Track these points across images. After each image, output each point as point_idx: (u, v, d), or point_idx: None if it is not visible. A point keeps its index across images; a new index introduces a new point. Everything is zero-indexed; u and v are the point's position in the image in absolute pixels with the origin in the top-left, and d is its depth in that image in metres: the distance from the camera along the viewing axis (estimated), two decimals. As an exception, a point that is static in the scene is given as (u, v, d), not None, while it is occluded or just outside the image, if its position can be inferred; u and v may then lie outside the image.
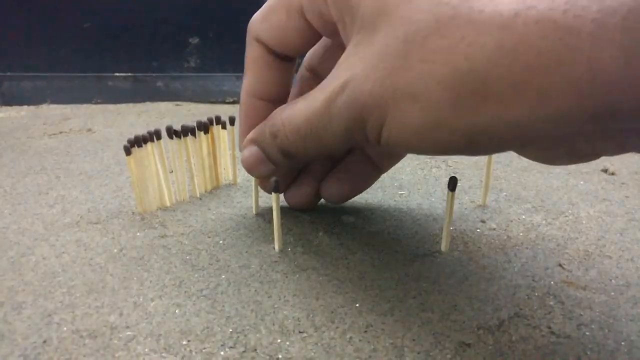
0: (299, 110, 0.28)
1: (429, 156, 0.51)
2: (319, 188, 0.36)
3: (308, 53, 0.34)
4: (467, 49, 0.20)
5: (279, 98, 0.33)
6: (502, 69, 0.19)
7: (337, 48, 0.31)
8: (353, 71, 0.24)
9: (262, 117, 0.31)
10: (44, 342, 0.24)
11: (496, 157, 0.46)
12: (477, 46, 0.20)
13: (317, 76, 0.33)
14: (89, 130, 0.63)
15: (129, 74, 0.79)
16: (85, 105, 0.77)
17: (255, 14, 0.30)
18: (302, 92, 0.32)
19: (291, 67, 0.32)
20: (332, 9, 0.26)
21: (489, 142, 0.22)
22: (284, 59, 0.31)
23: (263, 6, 0.30)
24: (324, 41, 0.33)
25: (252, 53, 0.31)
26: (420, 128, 0.23)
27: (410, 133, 0.23)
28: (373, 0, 0.23)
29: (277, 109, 0.30)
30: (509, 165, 0.48)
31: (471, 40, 0.20)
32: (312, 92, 0.27)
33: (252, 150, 0.31)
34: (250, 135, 0.31)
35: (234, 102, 0.78)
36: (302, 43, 0.30)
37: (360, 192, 0.37)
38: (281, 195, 0.37)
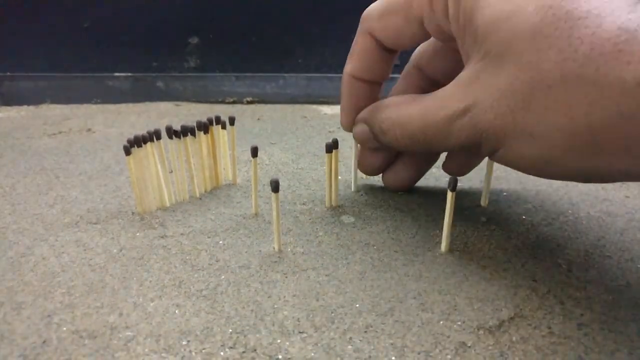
0: (414, 117, 0.30)
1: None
2: (384, 174, 0.41)
3: (416, 51, 0.37)
4: (588, 107, 0.22)
5: (379, 81, 0.37)
6: (618, 131, 0.21)
7: (448, 52, 0.35)
8: (476, 98, 0.26)
9: (362, 95, 0.36)
10: (44, 342, 0.24)
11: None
12: (597, 107, 0.22)
13: (422, 73, 0.37)
14: (89, 130, 0.63)
15: (129, 74, 0.79)
16: (85, 105, 0.77)
17: (371, 9, 0.33)
18: (408, 87, 0.38)
19: (394, 57, 0.36)
20: (453, 27, 0.28)
21: (602, 179, 0.25)
22: (390, 52, 0.35)
23: (378, 4, 0.33)
24: (433, 42, 0.36)
25: (363, 44, 0.34)
26: (535, 162, 0.26)
27: (524, 163, 0.26)
28: (501, 38, 0.25)
29: (387, 101, 0.34)
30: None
31: (593, 99, 0.22)
32: (426, 101, 0.30)
33: (363, 129, 0.36)
34: (362, 115, 0.36)
35: (233, 102, 0.78)
36: (414, 43, 0.34)
37: (415, 181, 0.42)
38: (281, 195, 0.37)
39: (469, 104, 0.27)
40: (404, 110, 0.31)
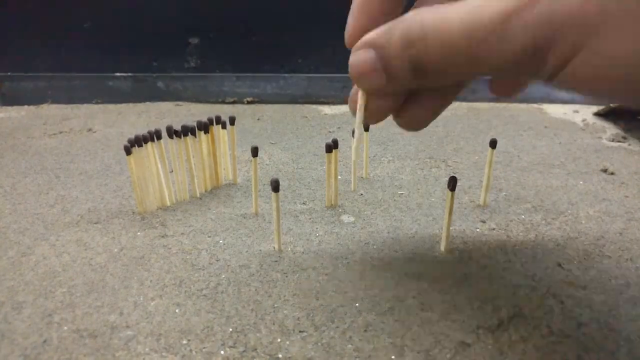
0: (454, 18, 0.22)
1: (429, 156, 0.51)
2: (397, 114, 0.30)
3: None
4: None
5: None
6: None
7: None
8: None
9: (379, 12, 0.27)
10: (44, 341, 0.24)
11: (496, 157, 0.46)
12: None
13: None
14: (90, 130, 0.63)
15: (130, 74, 0.79)
16: (85, 105, 0.77)
17: None
18: None
19: None
20: None
21: None
22: None
23: None
24: None
25: None
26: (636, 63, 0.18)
27: (618, 65, 0.19)
28: None
29: (412, 11, 0.24)
30: (509, 165, 0.48)
31: None
32: (472, 1, 0.22)
33: (367, 55, 0.25)
34: (370, 36, 0.25)
35: (234, 102, 0.78)
36: None
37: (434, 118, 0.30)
38: (281, 195, 0.37)
39: None
40: (442, 10, 0.23)
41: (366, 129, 0.43)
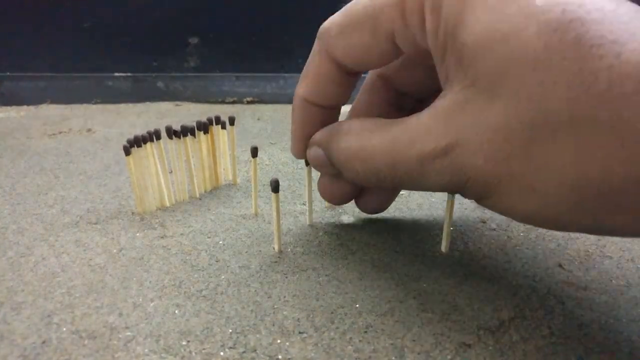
0: (379, 150, 0.25)
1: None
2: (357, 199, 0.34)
3: None
4: (603, 160, 0.18)
5: (337, 106, 0.31)
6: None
7: (420, 65, 0.29)
8: (460, 135, 0.21)
9: (316, 121, 0.30)
10: (43, 342, 0.24)
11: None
12: (616, 160, 0.17)
13: (388, 84, 0.31)
14: (89, 130, 0.63)
15: (129, 74, 0.79)
16: (84, 106, 0.77)
17: (329, 24, 0.27)
18: (371, 102, 0.32)
19: (356, 80, 0.30)
20: (431, 42, 0.23)
21: (612, 234, 0.21)
22: (352, 74, 0.29)
23: (337, 17, 0.27)
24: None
25: (320, 67, 0.28)
26: (532, 217, 0.22)
27: (518, 216, 0.22)
28: (494, 64, 0.20)
29: (346, 127, 0.28)
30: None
31: (610, 151, 0.17)
32: (395, 131, 0.24)
33: (317, 153, 0.30)
34: (318, 137, 0.30)
35: (233, 102, 0.78)
36: (382, 63, 0.27)
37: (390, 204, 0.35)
38: (281, 195, 0.37)
39: (451, 142, 0.22)
40: (366, 141, 0.25)
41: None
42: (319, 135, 0.30)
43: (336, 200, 0.33)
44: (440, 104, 0.23)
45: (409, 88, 0.31)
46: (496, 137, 0.20)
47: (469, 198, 0.24)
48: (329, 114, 0.31)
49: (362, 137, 0.26)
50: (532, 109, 0.19)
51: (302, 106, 0.30)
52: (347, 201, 0.34)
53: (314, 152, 0.30)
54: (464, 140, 0.21)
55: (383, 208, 0.35)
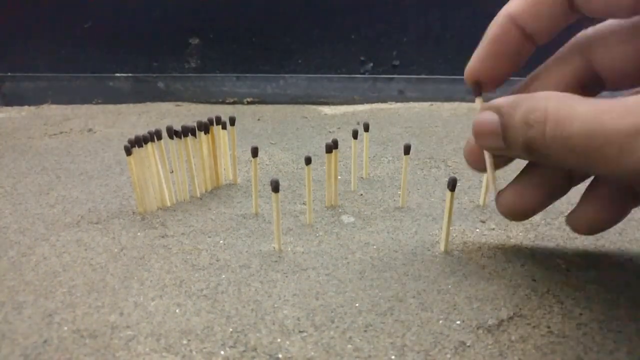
0: (579, 115, 0.22)
1: (429, 157, 0.51)
2: (569, 215, 0.30)
3: (582, 33, 0.28)
4: None
5: (539, 41, 0.28)
6: None
7: (636, 42, 0.26)
8: None
9: (512, 50, 0.27)
10: (45, 341, 0.24)
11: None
12: None
13: (588, 63, 0.28)
14: (90, 130, 0.63)
15: (130, 75, 0.79)
16: (86, 106, 0.77)
17: None
18: (563, 76, 0.28)
19: (572, 19, 0.27)
20: None
21: None
22: (571, 13, 0.26)
23: None
24: (617, 22, 0.27)
25: None
26: None
27: None
28: None
29: (542, 92, 0.25)
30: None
31: None
32: (604, 103, 0.22)
33: (490, 118, 0.26)
34: (499, 101, 0.26)
35: (234, 103, 0.78)
36: (611, 10, 0.25)
37: (614, 223, 0.29)
38: (281, 195, 0.37)
39: None
40: (568, 104, 0.23)
41: (366, 130, 0.43)
42: (501, 99, 0.26)
43: (522, 212, 0.30)
44: None
45: (607, 72, 0.28)
46: None
47: None
48: (526, 49, 0.28)
49: (563, 100, 0.23)
50: None
51: (504, 24, 0.27)
52: (533, 214, 0.30)
53: (486, 116, 0.26)
54: None
55: (600, 224, 0.29)
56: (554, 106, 0.23)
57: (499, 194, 0.31)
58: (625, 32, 0.27)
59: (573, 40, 0.28)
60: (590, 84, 0.28)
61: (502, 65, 0.28)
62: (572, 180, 0.30)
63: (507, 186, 0.31)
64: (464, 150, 0.32)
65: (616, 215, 0.29)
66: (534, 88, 0.29)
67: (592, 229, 0.30)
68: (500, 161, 0.31)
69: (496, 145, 0.27)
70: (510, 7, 0.27)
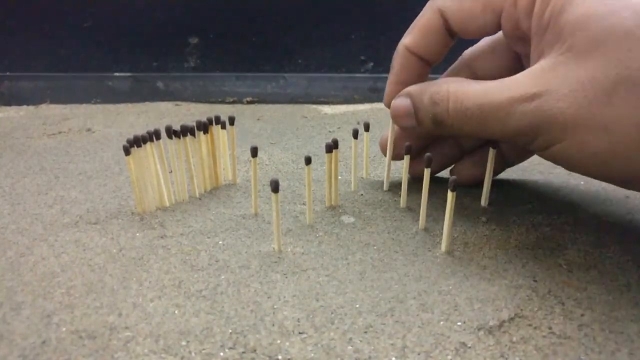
0: (472, 92, 0.30)
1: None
2: (453, 168, 0.42)
3: (469, 50, 0.38)
4: None
5: (432, 62, 0.36)
6: None
7: (506, 53, 0.36)
8: (549, 86, 0.26)
9: (413, 71, 0.36)
10: (43, 342, 0.24)
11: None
12: None
13: (472, 71, 0.37)
14: (89, 130, 0.63)
15: (129, 74, 0.79)
16: (84, 105, 0.77)
17: None
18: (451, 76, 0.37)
19: (452, 42, 0.35)
20: (534, 24, 0.29)
21: None
22: (452, 36, 0.35)
23: None
24: (490, 40, 0.37)
25: (429, 19, 0.34)
26: (601, 156, 0.26)
27: (586, 158, 0.27)
28: (591, 34, 0.25)
29: (443, 79, 0.34)
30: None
31: None
32: (490, 83, 0.30)
33: (404, 102, 0.34)
34: (409, 89, 0.34)
35: (233, 102, 0.78)
36: (480, 34, 0.34)
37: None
38: (281, 195, 0.37)
39: (540, 90, 0.27)
40: (464, 86, 0.31)
41: (366, 129, 0.43)
42: (410, 87, 0.34)
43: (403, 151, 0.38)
44: (532, 68, 0.28)
45: (486, 74, 0.36)
46: (582, 87, 0.25)
47: (538, 147, 0.28)
48: (423, 69, 0.36)
49: (460, 83, 0.31)
50: (618, 67, 0.24)
51: (404, 54, 0.35)
52: (413, 156, 0.39)
53: (400, 100, 0.34)
54: (552, 89, 0.26)
55: (477, 179, 0.40)
56: (454, 87, 0.31)
57: (455, 166, 0.42)
58: (495, 47, 0.36)
59: (461, 57, 0.38)
60: None
61: (411, 79, 0.36)
62: (462, 150, 0.41)
63: (460, 162, 0.42)
64: (379, 142, 0.43)
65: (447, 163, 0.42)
66: None
67: (470, 181, 0.41)
68: (414, 147, 0.39)
69: (410, 124, 0.34)
70: (406, 41, 0.35)
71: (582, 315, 0.25)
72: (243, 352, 0.23)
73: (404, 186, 0.39)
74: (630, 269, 0.30)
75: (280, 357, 0.23)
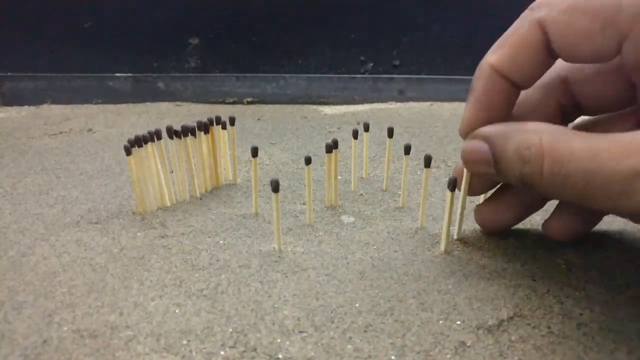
0: (578, 154, 0.22)
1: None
2: (545, 223, 0.32)
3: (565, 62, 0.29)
4: None
5: (524, 87, 0.28)
6: None
7: (615, 79, 0.28)
8: None
9: (500, 98, 0.28)
10: (44, 341, 0.24)
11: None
12: None
13: (569, 89, 0.30)
14: (90, 130, 0.63)
15: (130, 75, 0.79)
16: (85, 106, 0.77)
17: None
18: (541, 101, 0.30)
19: (552, 63, 0.28)
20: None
21: None
22: (552, 57, 0.27)
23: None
24: (595, 67, 0.29)
25: (525, 35, 0.26)
26: None
27: None
28: None
29: (531, 123, 0.25)
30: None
31: None
32: (601, 141, 0.22)
33: (480, 147, 0.27)
34: (488, 130, 0.27)
35: (234, 103, 0.78)
36: (592, 58, 0.26)
37: (587, 231, 0.33)
38: (281, 195, 0.37)
39: None
40: (563, 142, 0.23)
41: (366, 130, 0.43)
42: (489, 128, 0.27)
43: (494, 226, 0.33)
44: None
45: (587, 100, 0.29)
46: None
47: None
48: (513, 95, 0.28)
49: (557, 137, 0.23)
50: None
51: (490, 76, 0.27)
52: (506, 227, 0.33)
53: (476, 145, 0.27)
54: None
55: (575, 231, 0.32)
56: (549, 142, 0.23)
57: (478, 206, 0.33)
58: (606, 69, 0.28)
59: (553, 69, 0.29)
60: (570, 110, 0.30)
61: (495, 114, 0.28)
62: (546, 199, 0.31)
63: (485, 201, 0.33)
64: (454, 172, 0.33)
65: (589, 224, 0.32)
66: (519, 115, 0.30)
67: (566, 237, 0.32)
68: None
69: (485, 171, 0.27)
70: (491, 59, 0.27)
71: (580, 314, 0.26)
72: (244, 351, 0.23)
73: (404, 186, 0.39)
74: (629, 268, 0.30)
75: (280, 356, 0.23)
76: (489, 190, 0.33)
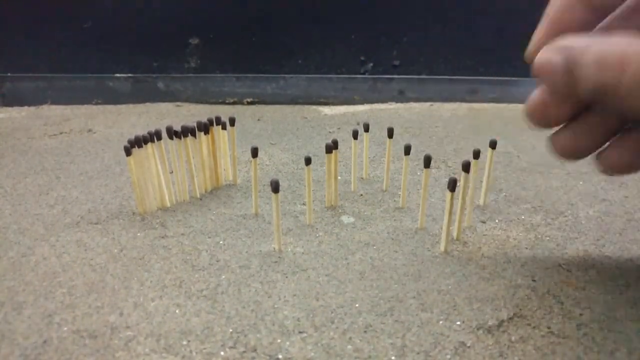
0: None
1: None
2: (600, 153, 0.29)
3: None
4: None
5: (606, 11, 0.26)
6: None
7: None
8: None
9: (577, 21, 0.26)
10: (45, 342, 0.24)
11: (496, 157, 0.46)
12: None
13: (590, 3, 0.27)
14: (90, 130, 0.63)
15: (130, 75, 0.79)
16: (85, 106, 0.77)
17: None
18: (571, 15, 0.27)
19: None
20: None
21: None
22: None
23: None
24: None
25: None
26: None
27: None
28: None
29: (616, 36, 0.23)
30: (509, 165, 0.48)
31: None
32: None
33: (555, 58, 0.24)
34: (567, 42, 0.24)
35: (234, 103, 0.78)
36: None
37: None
38: (281, 196, 0.37)
39: None
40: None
41: (366, 130, 0.43)
42: (568, 41, 0.24)
43: (553, 120, 0.28)
44: None
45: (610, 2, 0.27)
46: None
47: None
48: (592, 20, 0.26)
49: (633, 40, 0.22)
50: None
51: (567, 0, 0.26)
52: (585, 155, 0.29)
53: (549, 54, 0.25)
54: None
55: (630, 165, 0.28)
56: (635, 48, 0.22)
57: (554, 135, 0.29)
58: None
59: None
60: (596, 19, 0.27)
61: (570, 30, 0.26)
62: (625, 123, 0.28)
63: (560, 130, 0.29)
64: (527, 107, 0.28)
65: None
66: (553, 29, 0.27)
67: (622, 168, 0.29)
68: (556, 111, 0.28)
69: (559, 84, 0.25)
70: None
71: (580, 314, 0.26)
72: (244, 352, 0.23)
73: (404, 186, 0.39)
74: (629, 269, 0.30)
75: (280, 356, 0.23)
76: (563, 121, 0.29)
